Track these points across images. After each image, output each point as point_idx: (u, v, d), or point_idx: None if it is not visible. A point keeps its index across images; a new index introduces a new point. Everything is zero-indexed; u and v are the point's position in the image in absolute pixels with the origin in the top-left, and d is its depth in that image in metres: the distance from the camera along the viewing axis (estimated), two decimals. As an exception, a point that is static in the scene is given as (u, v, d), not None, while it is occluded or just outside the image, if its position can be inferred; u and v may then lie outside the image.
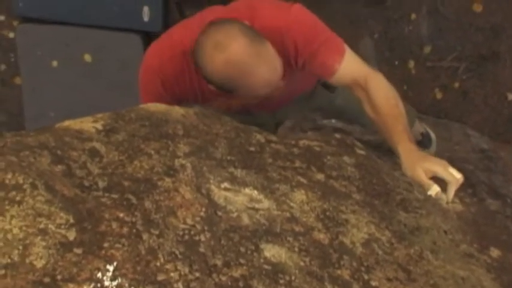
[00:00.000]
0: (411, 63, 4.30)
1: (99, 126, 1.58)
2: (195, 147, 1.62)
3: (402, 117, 2.21)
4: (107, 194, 1.36)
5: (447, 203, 2.01)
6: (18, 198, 1.23)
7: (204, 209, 1.43)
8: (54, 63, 4.73)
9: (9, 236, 1.18)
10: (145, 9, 4.47)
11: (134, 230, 1.28)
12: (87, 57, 4.67)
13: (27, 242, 1.18)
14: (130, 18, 4.51)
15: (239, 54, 2.00)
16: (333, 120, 3.16)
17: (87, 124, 1.57)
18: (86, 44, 4.67)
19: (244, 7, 2.27)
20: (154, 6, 4.47)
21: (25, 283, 1.13)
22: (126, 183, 1.40)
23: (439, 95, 4.29)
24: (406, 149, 2.13)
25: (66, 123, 1.57)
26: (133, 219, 1.31)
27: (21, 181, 1.25)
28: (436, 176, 2.02)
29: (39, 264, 1.16)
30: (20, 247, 1.17)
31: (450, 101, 4.28)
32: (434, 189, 2.00)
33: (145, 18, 4.49)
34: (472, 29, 4.21)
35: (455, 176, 2.01)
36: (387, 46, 4.33)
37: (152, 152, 1.54)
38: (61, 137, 1.47)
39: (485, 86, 4.26)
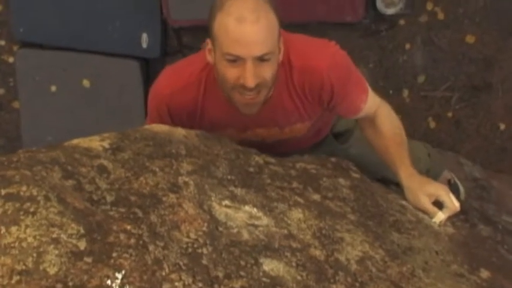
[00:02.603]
0: (405, 93, 4.37)
1: (106, 144, 1.65)
2: (197, 166, 1.69)
3: (405, 144, 2.28)
4: (114, 208, 1.43)
5: (439, 225, 2.09)
6: (32, 209, 1.29)
7: (206, 224, 1.49)
8: (53, 88, 4.78)
9: (24, 244, 1.24)
10: (144, 36, 4.53)
11: (141, 242, 1.35)
12: (86, 83, 4.72)
13: (41, 250, 1.24)
14: (129, 45, 4.56)
15: None
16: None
17: (95, 142, 1.64)
18: (84, 70, 4.71)
19: None
20: (153, 33, 4.52)
21: (38, 288, 1.19)
22: (132, 198, 1.47)
23: (432, 124, 4.36)
24: (407, 174, 2.19)
25: (75, 141, 1.64)
26: (140, 232, 1.38)
27: (35, 193, 1.32)
28: (437, 200, 2.13)
29: (52, 271, 1.22)
30: (34, 255, 1.23)
31: (443, 130, 4.36)
32: (439, 217, 2.09)
33: (144, 45, 4.54)
34: (465, 59, 4.29)
35: (454, 203, 2.11)
36: (382, 75, 4.40)
37: (157, 169, 1.60)
38: (71, 153, 1.54)
39: (477, 116, 4.33)
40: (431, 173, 3.10)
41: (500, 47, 4.20)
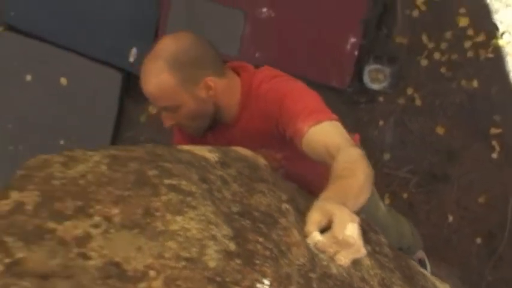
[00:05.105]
0: (369, 166, 4.56)
1: (215, 157, 1.75)
2: (287, 196, 1.80)
3: (348, 182, 1.86)
4: (241, 219, 1.53)
5: (316, 248, 1.65)
6: (193, 204, 1.39)
7: (307, 252, 1.61)
8: (28, 78, 4.77)
9: (188, 235, 1.34)
10: (134, 50, 4.60)
11: (273, 255, 1.46)
12: (63, 80, 4.73)
13: (203, 243, 1.34)
14: (116, 55, 4.62)
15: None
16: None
17: (207, 153, 1.74)
18: (65, 67, 4.73)
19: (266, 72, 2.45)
20: (143, 50, 4.56)
21: (201, 277, 1.28)
22: (255, 213, 1.57)
23: (387, 201, 4.56)
24: (325, 196, 1.77)
25: (186, 147, 1.74)
26: (270, 246, 1.49)
27: (194, 190, 1.42)
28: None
29: (211, 264, 1.32)
30: (198, 246, 1.33)
31: (396, 209, 4.54)
32: (312, 237, 1.64)
33: (131, 59, 4.60)
34: (431, 148, 4.53)
35: (346, 234, 1.60)
36: (351, 144, 4.58)
37: (265, 190, 1.71)
38: (198, 160, 1.64)
39: (430, 203, 4.56)
40: (411, 250, 3.29)
41: (465, 144, 4.45)
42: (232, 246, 1.39)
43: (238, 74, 2.45)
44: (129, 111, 4.79)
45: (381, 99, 4.59)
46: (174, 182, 1.41)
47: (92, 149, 1.50)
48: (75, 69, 4.71)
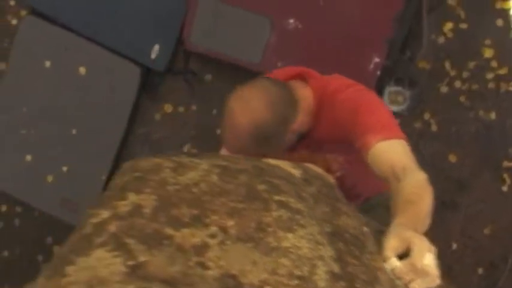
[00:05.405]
0: (379, 186, 4.59)
1: (298, 173, 1.75)
2: (365, 218, 1.82)
3: (418, 207, 1.95)
4: (336, 240, 1.54)
5: (392, 275, 1.64)
6: (302, 222, 1.40)
7: (387, 277, 1.62)
8: (47, 64, 4.75)
9: (300, 253, 1.35)
10: (156, 47, 4.58)
11: (369, 279, 1.47)
12: (82, 70, 4.71)
13: (313, 262, 1.35)
14: (138, 50, 4.60)
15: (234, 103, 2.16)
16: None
17: (291, 169, 1.74)
18: (85, 57, 4.70)
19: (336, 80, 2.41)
20: (165, 48, 4.57)
21: (313, 298, 1.30)
22: (346, 235, 1.58)
23: (393, 223, 4.57)
24: (399, 221, 1.82)
25: (273, 161, 1.74)
26: (363, 269, 1.50)
27: (302, 208, 1.43)
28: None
29: (321, 284, 1.33)
30: (309, 265, 1.34)
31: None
32: (391, 263, 1.64)
33: (153, 55, 4.59)
34: (442, 174, 4.56)
35: (426, 264, 1.63)
36: (363, 162, 4.61)
37: (349, 211, 1.72)
38: (289, 176, 1.64)
39: (434, 229, 4.57)
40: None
41: (476, 174, 4.47)
42: (336, 267, 1.40)
43: (305, 81, 2.40)
44: (145, 107, 4.77)
45: (397, 120, 4.61)
46: (282, 198, 1.42)
47: (196, 156, 1.50)
48: (95, 60, 4.69)
